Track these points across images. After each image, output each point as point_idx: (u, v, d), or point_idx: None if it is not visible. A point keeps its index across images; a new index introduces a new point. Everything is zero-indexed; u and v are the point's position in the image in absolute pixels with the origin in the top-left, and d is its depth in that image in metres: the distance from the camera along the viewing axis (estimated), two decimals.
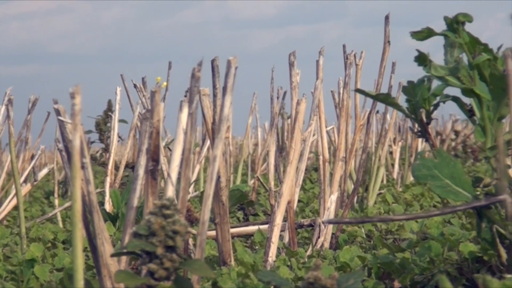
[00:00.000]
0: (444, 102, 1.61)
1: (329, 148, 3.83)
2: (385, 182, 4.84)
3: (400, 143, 5.18)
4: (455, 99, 1.62)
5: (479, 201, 1.59)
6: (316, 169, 4.40)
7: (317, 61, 2.57)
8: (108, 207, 2.92)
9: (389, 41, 2.72)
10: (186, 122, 1.52)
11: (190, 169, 2.17)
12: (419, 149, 5.45)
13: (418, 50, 1.52)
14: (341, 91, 2.80)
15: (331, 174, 2.78)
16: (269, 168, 2.23)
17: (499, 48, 1.55)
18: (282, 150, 5.36)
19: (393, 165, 5.08)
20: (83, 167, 1.52)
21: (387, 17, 2.73)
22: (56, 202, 4.14)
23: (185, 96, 3.30)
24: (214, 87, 1.97)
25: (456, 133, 7.97)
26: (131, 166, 5.85)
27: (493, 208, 1.60)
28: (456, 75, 1.51)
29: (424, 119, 1.64)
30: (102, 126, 5.03)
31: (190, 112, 1.51)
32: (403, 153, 5.24)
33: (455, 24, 1.52)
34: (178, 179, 1.55)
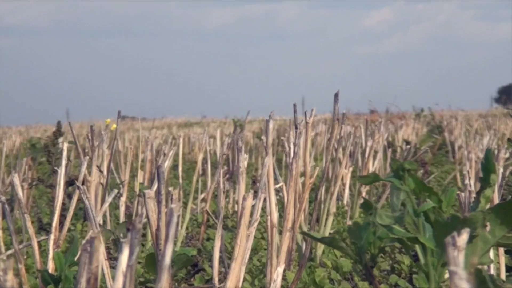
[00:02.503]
0: (389, 245, 1.62)
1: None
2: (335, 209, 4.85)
3: (351, 168, 5.18)
4: (401, 242, 1.61)
5: None
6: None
7: (266, 139, 2.54)
8: (51, 266, 2.88)
9: (338, 119, 2.70)
10: (125, 271, 1.48)
11: None
12: (371, 170, 5.46)
13: (364, 198, 1.51)
14: (291, 160, 2.77)
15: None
16: (214, 259, 2.20)
17: (444, 190, 1.55)
18: (231, 175, 5.32)
19: (343, 190, 5.10)
20: None
21: (336, 95, 2.71)
22: None
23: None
24: (159, 193, 1.94)
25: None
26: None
27: None
28: (401, 223, 1.50)
29: (369, 263, 1.63)
30: (51, 148, 4.95)
31: (130, 264, 1.48)
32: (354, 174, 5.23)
33: (400, 171, 1.52)
34: None
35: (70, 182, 6.08)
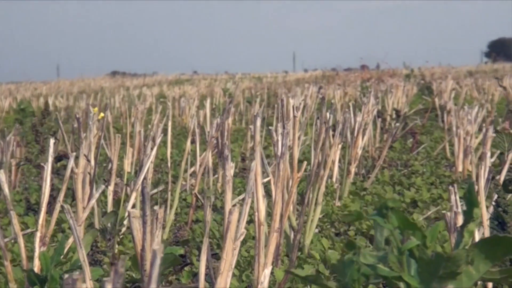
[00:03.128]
0: (374, 283, 1.61)
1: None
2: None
3: (340, 145, 5.16)
4: (386, 279, 1.61)
5: None
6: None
7: (254, 137, 2.52)
8: (37, 264, 2.88)
9: (325, 122, 2.68)
10: None
11: None
12: (360, 148, 5.43)
13: (349, 240, 1.49)
14: (278, 161, 2.75)
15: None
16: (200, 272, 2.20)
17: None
18: (220, 153, 5.30)
19: (333, 166, 5.09)
20: None
21: (323, 98, 2.68)
22: None
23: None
24: (144, 214, 1.92)
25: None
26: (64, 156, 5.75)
27: None
28: (385, 262, 1.50)
29: None
30: (39, 127, 4.93)
31: None
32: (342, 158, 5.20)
33: (384, 209, 1.51)
34: None
35: (58, 158, 6.06)
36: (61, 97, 21.63)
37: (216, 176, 5.40)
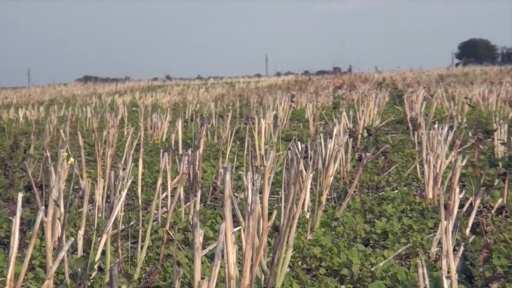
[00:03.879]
0: None
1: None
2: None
3: (311, 174, 5.16)
4: None
5: None
6: None
7: (224, 191, 2.53)
8: None
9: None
10: None
11: None
12: (331, 175, 5.44)
13: None
14: (248, 217, 2.76)
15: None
16: None
17: None
18: (191, 186, 5.28)
19: (304, 195, 5.08)
20: None
21: None
22: None
23: None
24: None
25: None
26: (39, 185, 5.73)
27: None
28: None
29: None
30: (7, 161, 4.90)
31: None
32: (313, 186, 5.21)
33: None
34: None
35: (28, 187, 6.02)
36: (32, 108, 21.49)
37: (188, 204, 5.40)
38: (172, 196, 5.62)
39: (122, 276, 3.96)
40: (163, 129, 11.10)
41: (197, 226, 2.33)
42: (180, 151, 7.34)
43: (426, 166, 5.40)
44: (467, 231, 3.23)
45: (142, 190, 6.78)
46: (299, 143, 5.29)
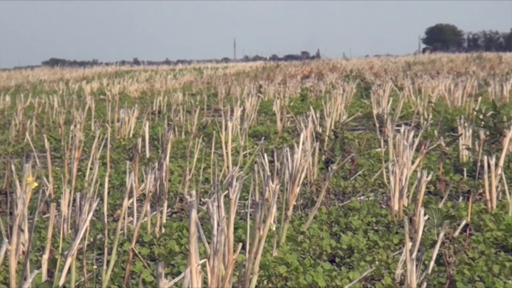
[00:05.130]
0: None
1: None
2: None
3: (278, 186, 5.18)
4: None
5: None
6: None
7: (189, 230, 2.52)
8: None
9: (258, 228, 2.70)
10: None
11: None
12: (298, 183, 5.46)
13: None
14: (213, 257, 2.76)
15: None
16: None
17: None
18: (158, 199, 5.27)
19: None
20: None
21: None
22: None
23: None
24: None
25: None
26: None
27: None
28: None
29: None
30: None
31: None
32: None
33: None
34: None
35: None
36: None
37: (154, 213, 5.38)
38: (139, 205, 5.61)
39: None
40: (130, 125, 11.05)
41: (162, 276, 2.33)
42: (147, 154, 7.31)
43: (392, 178, 5.44)
44: (431, 264, 3.26)
45: (108, 193, 6.76)
46: (265, 156, 5.31)
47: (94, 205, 3.80)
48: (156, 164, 4.85)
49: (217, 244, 2.81)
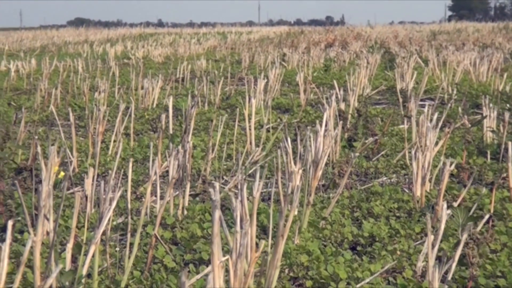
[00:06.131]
0: None
1: None
2: None
3: (300, 171, 5.19)
4: None
5: None
6: None
7: (211, 238, 2.55)
8: None
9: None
10: None
11: None
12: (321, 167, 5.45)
13: None
14: (236, 261, 2.78)
15: None
16: None
17: None
18: (181, 182, 5.28)
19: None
20: None
21: None
22: None
23: None
24: None
25: None
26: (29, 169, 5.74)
27: None
28: None
29: None
30: None
31: None
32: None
33: None
34: None
35: (19, 170, 6.02)
36: (23, 56, 21.33)
37: (177, 193, 5.40)
38: (161, 182, 5.64)
39: (110, 282, 3.99)
40: (154, 95, 11.07)
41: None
42: (171, 129, 7.32)
43: (414, 163, 5.41)
44: (453, 265, 3.26)
45: (132, 170, 6.79)
46: (289, 141, 5.31)
47: (118, 195, 3.83)
48: (180, 147, 4.86)
49: (240, 248, 2.82)
